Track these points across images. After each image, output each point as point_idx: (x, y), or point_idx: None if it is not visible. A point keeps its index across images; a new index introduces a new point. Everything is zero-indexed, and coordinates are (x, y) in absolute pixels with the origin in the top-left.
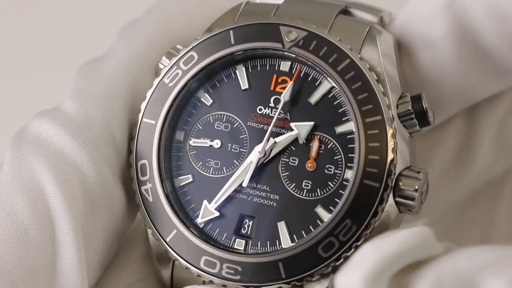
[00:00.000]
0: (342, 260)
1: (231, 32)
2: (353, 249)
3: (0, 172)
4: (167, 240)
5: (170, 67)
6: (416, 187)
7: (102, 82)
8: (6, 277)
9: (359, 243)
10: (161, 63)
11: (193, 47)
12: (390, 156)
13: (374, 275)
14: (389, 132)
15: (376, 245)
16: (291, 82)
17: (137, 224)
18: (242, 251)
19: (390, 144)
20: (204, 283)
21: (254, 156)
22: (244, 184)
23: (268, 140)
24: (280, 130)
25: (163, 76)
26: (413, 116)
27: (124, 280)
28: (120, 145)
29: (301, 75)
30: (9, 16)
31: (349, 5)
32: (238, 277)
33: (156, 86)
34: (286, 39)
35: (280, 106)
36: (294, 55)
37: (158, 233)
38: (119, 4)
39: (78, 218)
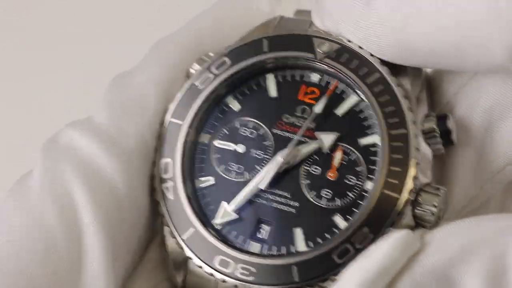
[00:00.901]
0: None
1: (264, 40)
2: None
3: (31, 179)
4: (184, 238)
5: (202, 71)
6: (435, 203)
7: (134, 94)
8: (31, 285)
9: None
10: (192, 68)
11: (226, 52)
12: (412, 168)
13: None
14: (413, 146)
15: (360, 264)
16: (326, 95)
17: None
18: (257, 253)
19: (413, 157)
20: (216, 284)
21: (276, 162)
22: (262, 186)
23: (294, 147)
24: (304, 139)
25: (195, 79)
26: (437, 134)
27: (137, 287)
28: (152, 156)
29: (330, 88)
30: (9, 16)
31: None
32: (251, 278)
33: (187, 88)
34: (319, 50)
35: (311, 117)
36: (324, 67)
37: (176, 230)
38: (118, 5)
39: (107, 229)
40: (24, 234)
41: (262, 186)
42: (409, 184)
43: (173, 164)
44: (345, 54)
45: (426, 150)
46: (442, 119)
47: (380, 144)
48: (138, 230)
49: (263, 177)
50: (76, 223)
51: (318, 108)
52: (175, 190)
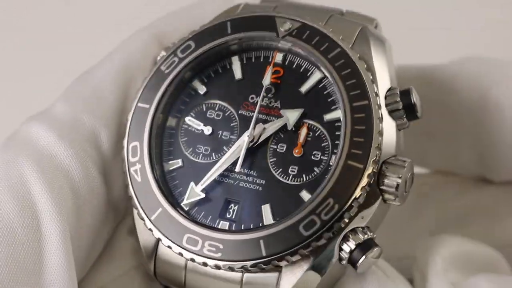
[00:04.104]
0: (323, 240)
1: (228, 23)
2: (334, 229)
3: None
4: (152, 218)
5: (168, 55)
6: (400, 175)
7: (92, 85)
8: None
9: (340, 223)
10: (159, 56)
11: (191, 36)
12: (376, 138)
13: None
14: (376, 116)
15: None
16: (270, 67)
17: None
18: (224, 229)
19: (376, 127)
20: (185, 265)
21: (242, 141)
22: (237, 169)
23: (255, 124)
24: (270, 118)
25: (161, 64)
26: (400, 107)
27: (107, 275)
28: (106, 147)
29: (294, 66)
30: (9, 16)
31: (346, 12)
32: (219, 254)
33: (153, 73)
34: (281, 29)
35: (263, 90)
36: (287, 47)
37: (144, 212)
38: (119, 5)
39: (65, 216)
40: None
41: (237, 168)
42: (373, 154)
43: (140, 147)
44: (307, 31)
45: (390, 123)
46: (405, 93)
47: (343, 115)
48: (97, 217)
49: (230, 156)
50: (33, 212)
51: (266, 80)
52: (143, 172)
